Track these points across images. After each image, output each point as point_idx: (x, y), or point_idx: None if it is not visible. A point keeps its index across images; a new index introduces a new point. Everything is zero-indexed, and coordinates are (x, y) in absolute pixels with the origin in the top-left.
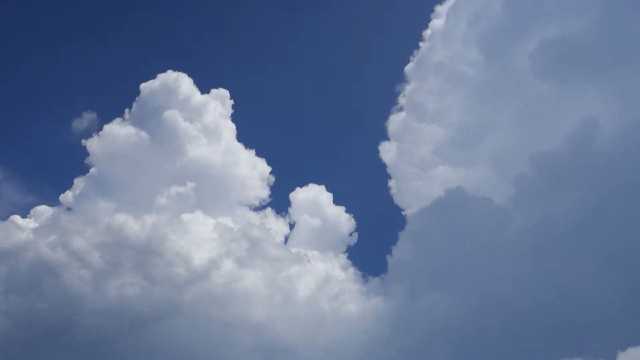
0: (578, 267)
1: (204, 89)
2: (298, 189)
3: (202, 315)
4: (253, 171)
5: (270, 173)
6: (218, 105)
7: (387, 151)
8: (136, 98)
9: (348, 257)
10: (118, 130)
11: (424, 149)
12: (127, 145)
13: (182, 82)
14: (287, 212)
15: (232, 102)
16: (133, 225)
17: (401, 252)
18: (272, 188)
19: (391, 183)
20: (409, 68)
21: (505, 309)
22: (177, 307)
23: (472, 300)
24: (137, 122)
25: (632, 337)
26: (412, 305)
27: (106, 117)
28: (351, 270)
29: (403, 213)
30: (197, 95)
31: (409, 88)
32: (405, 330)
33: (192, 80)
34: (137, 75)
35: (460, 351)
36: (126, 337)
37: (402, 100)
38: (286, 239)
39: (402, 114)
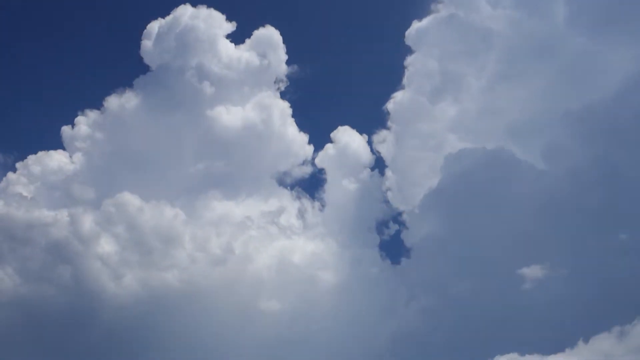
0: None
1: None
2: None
3: (217, 304)
4: (292, 148)
5: (314, 152)
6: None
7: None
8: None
9: (380, 245)
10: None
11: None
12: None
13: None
14: (320, 190)
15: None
16: (145, 209)
17: (426, 229)
18: (310, 166)
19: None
20: (411, 33)
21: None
22: (191, 296)
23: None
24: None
25: None
26: (442, 296)
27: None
28: (378, 254)
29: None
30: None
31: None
32: (436, 324)
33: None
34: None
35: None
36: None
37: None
38: (314, 223)
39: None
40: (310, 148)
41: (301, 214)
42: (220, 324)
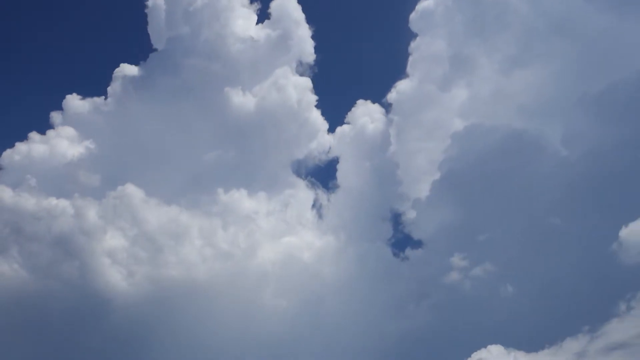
0: None
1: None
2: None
3: (222, 299)
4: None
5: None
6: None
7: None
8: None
9: (391, 238)
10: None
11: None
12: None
13: None
14: (333, 179)
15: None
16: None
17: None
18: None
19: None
20: (416, 15)
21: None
22: (196, 293)
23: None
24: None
25: None
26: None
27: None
28: (389, 248)
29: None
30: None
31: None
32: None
33: None
34: None
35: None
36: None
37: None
38: (327, 214)
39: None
40: (330, 137)
41: (316, 205)
42: (226, 322)
